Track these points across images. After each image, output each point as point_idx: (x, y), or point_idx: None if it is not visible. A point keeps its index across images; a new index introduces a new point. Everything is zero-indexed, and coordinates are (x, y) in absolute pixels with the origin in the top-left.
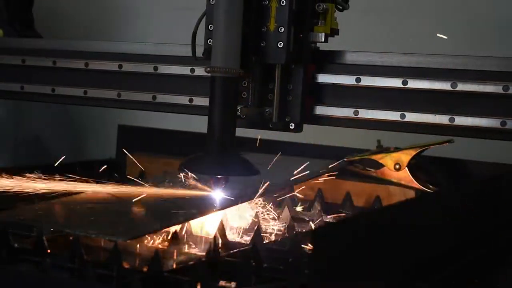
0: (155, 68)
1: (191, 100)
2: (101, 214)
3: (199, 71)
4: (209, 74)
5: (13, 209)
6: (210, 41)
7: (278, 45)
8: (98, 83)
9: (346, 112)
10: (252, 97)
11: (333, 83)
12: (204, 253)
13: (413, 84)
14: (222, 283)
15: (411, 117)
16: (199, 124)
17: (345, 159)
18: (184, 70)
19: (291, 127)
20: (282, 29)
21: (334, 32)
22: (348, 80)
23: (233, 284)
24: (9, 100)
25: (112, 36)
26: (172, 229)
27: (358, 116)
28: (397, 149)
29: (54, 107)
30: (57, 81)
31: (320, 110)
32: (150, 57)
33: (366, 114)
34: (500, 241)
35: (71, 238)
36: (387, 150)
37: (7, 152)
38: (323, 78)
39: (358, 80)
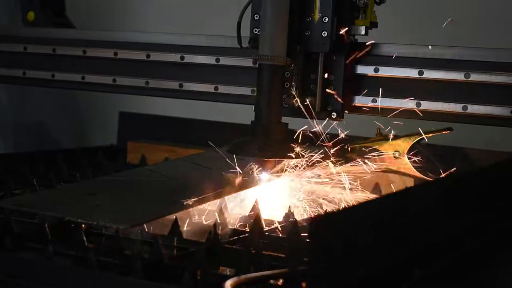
0: (182, 58)
1: (216, 88)
2: (103, 200)
3: (224, 60)
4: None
5: (17, 196)
6: (255, 30)
7: (322, 34)
8: (127, 71)
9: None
10: (295, 87)
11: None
12: (204, 240)
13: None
14: (222, 270)
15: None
16: (200, 111)
17: (345, 146)
18: (210, 59)
19: (333, 116)
20: (326, 19)
21: (373, 25)
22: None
23: (232, 271)
24: (12, 86)
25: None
26: (173, 215)
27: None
28: (396, 137)
29: (55, 93)
30: (87, 69)
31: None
32: (177, 47)
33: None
34: (501, 229)
35: (73, 225)
36: (387, 137)
37: (7, 137)
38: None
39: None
